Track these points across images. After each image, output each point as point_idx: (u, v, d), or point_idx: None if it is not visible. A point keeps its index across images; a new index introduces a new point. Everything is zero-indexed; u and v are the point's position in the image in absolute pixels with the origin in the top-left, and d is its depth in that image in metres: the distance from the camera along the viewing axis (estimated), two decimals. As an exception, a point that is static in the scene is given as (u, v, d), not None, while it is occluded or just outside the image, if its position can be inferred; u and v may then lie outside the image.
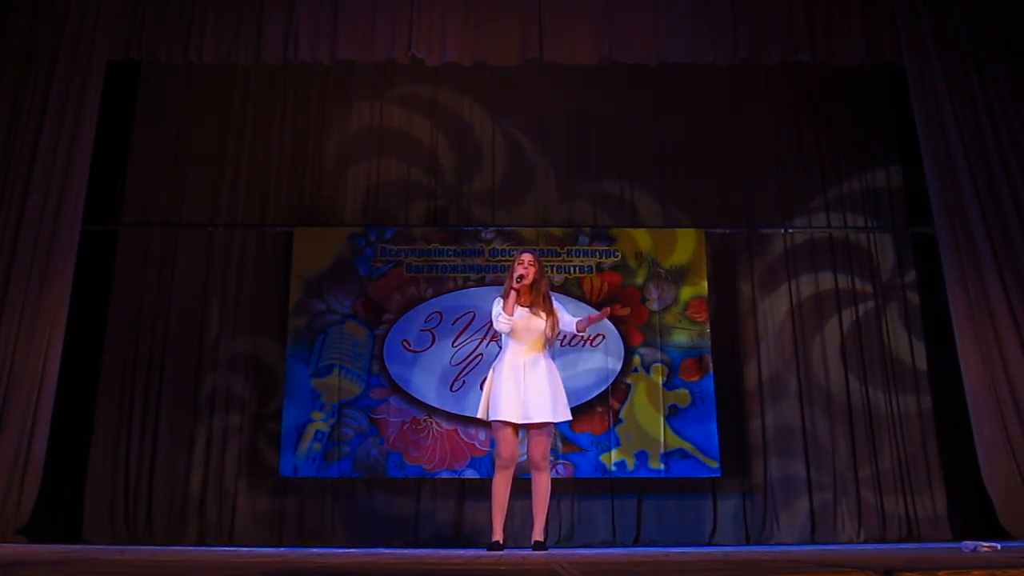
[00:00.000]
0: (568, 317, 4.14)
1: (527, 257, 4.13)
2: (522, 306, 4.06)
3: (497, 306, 4.09)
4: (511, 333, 4.07)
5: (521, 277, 4.04)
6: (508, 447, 3.97)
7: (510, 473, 4.01)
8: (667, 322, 5.82)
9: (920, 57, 5.52)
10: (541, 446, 4.02)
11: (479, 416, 4.13)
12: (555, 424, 4.13)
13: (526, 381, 3.98)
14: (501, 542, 3.96)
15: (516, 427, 4.00)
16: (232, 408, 5.74)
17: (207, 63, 5.55)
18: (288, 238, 5.98)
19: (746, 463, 5.76)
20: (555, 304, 4.14)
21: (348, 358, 5.69)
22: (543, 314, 4.08)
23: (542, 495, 4.03)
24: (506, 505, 4.02)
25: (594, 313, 4.20)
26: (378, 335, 5.75)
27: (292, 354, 5.68)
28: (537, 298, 4.09)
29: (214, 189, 6.15)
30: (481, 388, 5.43)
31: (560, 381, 4.10)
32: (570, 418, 4.17)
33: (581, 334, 4.25)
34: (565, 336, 4.22)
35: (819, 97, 6.40)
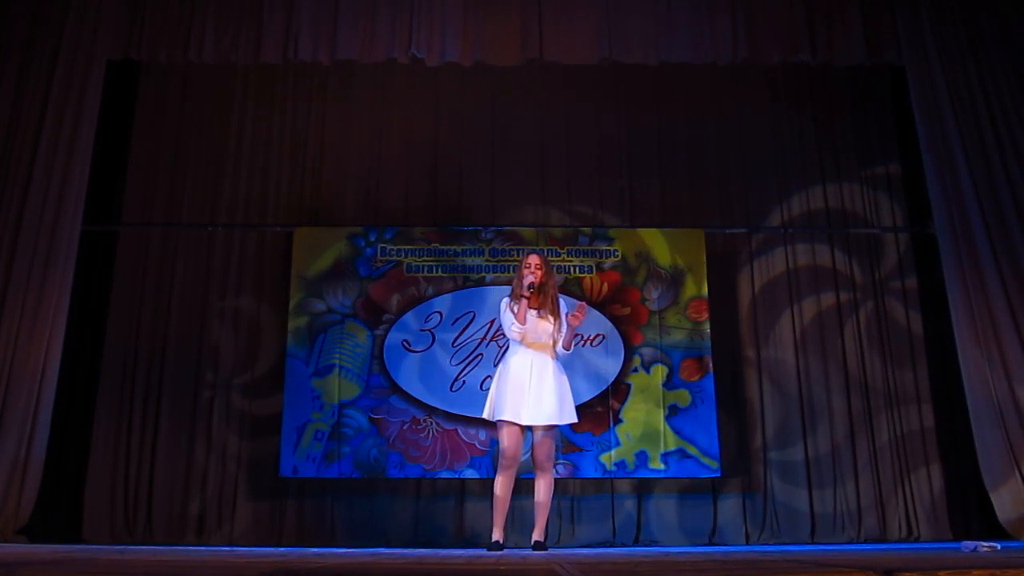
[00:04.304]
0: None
1: (534, 260, 4.12)
2: (531, 308, 4.07)
3: (508, 314, 4.09)
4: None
5: (532, 285, 4.03)
6: (512, 447, 3.96)
7: (513, 473, 4.01)
8: (667, 322, 5.82)
9: (920, 57, 5.52)
10: (546, 447, 4.02)
11: (484, 416, 4.12)
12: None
13: (533, 382, 3.98)
14: (501, 542, 3.96)
15: (522, 428, 4.00)
16: (232, 408, 5.74)
17: (207, 63, 5.55)
18: (288, 238, 5.98)
19: (746, 463, 5.76)
20: (561, 307, 4.14)
21: (348, 358, 5.69)
22: (551, 317, 4.08)
23: (544, 496, 4.03)
24: (508, 505, 4.02)
25: (572, 314, 4.02)
26: (378, 335, 5.75)
27: (292, 354, 5.67)
28: (545, 301, 4.09)
29: (214, 189, 6.14)
30: (482, 388, 5.45)
31: (567, 383, 4.11)
32: (576, 420, 4.16)
33: (574, 341, 4.19)
34: None
35: (819, 97, 6.40)
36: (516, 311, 4.04)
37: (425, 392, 5.66)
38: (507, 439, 3.96)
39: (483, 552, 3.95)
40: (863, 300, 6.04)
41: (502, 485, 3.99)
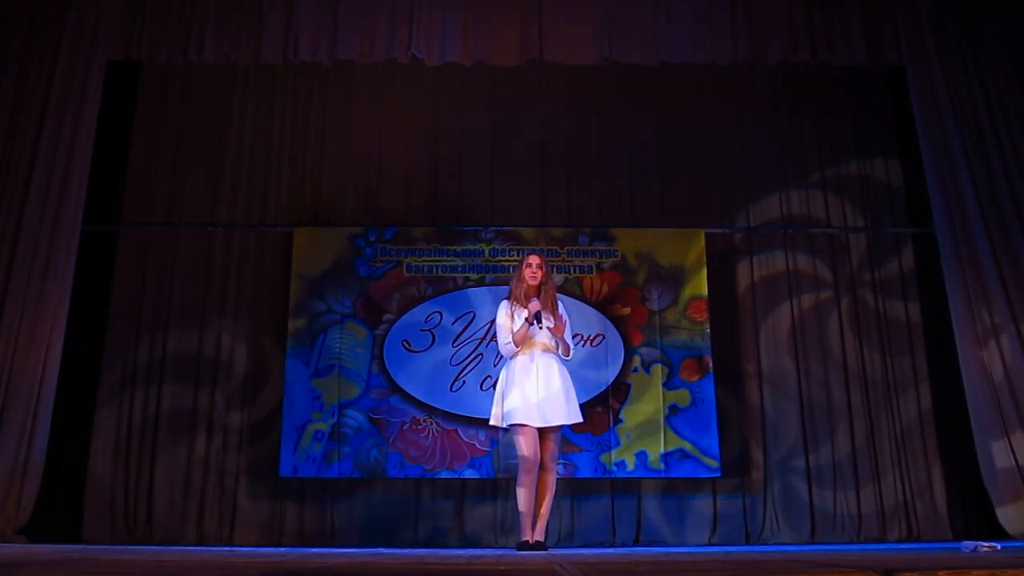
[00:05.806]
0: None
1: (535, 260, 4.15)
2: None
3: (504, 331, 4.10)
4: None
5: (539, 315, 4.01)
6: (531, 449, 3.98)
7: (535, 474, 4.02)
8: (667, 322, 5.82)
9: (920, 57, 5.52)
10: (551, 447, 4.06)
11: (493, 423, 4.14)
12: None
13: (541, 384, 4.00)
14: (531, 541, 3.97)
15: (534, 429, 4.01)
16: (232, 408, 5.74)
17: (207, 63, 5.55)
18: (288, 238, 5.98)
19: (746, 463, 5.75)
20: (561, 309, 4.14)
21: (348, 358, 5.69)
22: (551, 319, 4.09)
23: (548, 495, 4.05)
24: (534, 505, 4.02)
25: (554, 324, 4.07)
26: (378, 335, 5.75)
27: (292, 354, 5.67)
28: (546, 302, 4.10)
29: (214, 189, 6.14)
30: (482, 388, 5.46)
31: (571, 382, 4.14)
32: (582, 420, 4.18)
33: (573, 342, 4.25)
34: None
35: (819, 97, 6.40)
36: (515, 330, 4.05)
37: (425, 392, 5.65)
38: (526, 442, 3.97)
39: (483, 552, 3.95)
40: (862, 299, 6.03)
41: (529, 487, 3.99)
